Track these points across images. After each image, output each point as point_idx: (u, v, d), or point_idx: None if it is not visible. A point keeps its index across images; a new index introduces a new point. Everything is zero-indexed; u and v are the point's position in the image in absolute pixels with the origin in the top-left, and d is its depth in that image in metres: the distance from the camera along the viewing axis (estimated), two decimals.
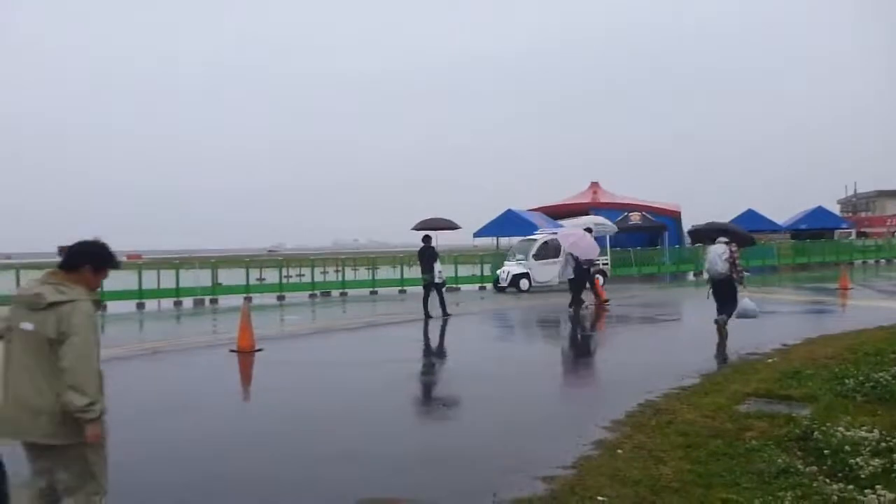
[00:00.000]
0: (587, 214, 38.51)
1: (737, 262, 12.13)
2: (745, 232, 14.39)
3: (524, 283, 25.57)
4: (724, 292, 12.36)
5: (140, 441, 6.55)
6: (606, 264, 28.05)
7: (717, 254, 12.20)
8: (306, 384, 9.66)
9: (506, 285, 25.54)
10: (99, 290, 3.86)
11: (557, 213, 38.52)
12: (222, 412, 8.03)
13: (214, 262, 27.29)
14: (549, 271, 25.75)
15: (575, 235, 19.27)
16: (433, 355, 12.44)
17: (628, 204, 38.37)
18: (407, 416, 7.77)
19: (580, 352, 12.75)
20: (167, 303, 23.26)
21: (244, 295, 24.15)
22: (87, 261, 3.80)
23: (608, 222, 29.91)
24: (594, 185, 41.60)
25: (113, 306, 21.02)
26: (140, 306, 22.10)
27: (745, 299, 12.26)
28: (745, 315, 12.16)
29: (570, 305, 17.96)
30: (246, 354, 11.41)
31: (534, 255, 26.04)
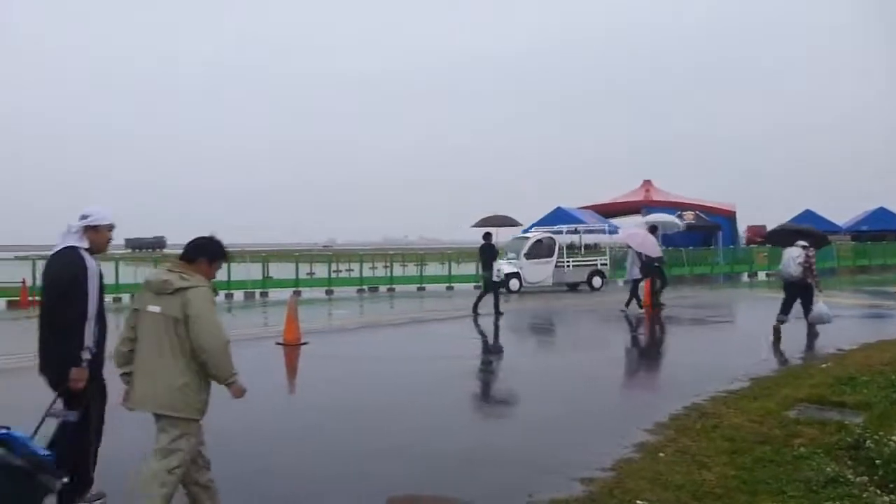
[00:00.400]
0: (639, 213, 38.01)
1: (813, 266, 12.06)
2: (821, 233, 14.28)
3: (514, 284, 23.83)
4: (795, 295, 12.28)
5: None
6: (605, 264, 26.74)
7: (792, 257, 12.17)
8: (351, 379, 9.68)
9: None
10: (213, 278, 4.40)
11: (608, 211, 38.12)
12: (266, 405, 8.08)
13: (265, 256, 27.67)
14: (542, 271, 24.84)
15: (640, 234, 18.57)
16: (479, 353, 12.37)
17: (682, 202, 37.73)
18: (448, 414, 7.71)
19: (626, 353, 12.54)
20: (219, 296, 23.63)
21: (293, 289, 24.38)
22: (203, 254, 4.29)
23: (676, 220, 28.57)
24: (647, 182, 41.01)
25: None
26: None
27: (820, 304, 12.18)
28: (819, 321, 12.10)
29: (626, 305, 17.44)
30: (292, 348, 11.52)
31: (525, 254, 24.67)
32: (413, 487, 5.28)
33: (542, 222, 33.53)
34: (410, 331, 15.22)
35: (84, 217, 4.69)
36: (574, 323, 17.08)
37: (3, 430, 3.75)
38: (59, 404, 4.44)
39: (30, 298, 19.66)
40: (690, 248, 33.63)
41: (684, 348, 12.81)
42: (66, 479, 3.89)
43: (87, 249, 4.65)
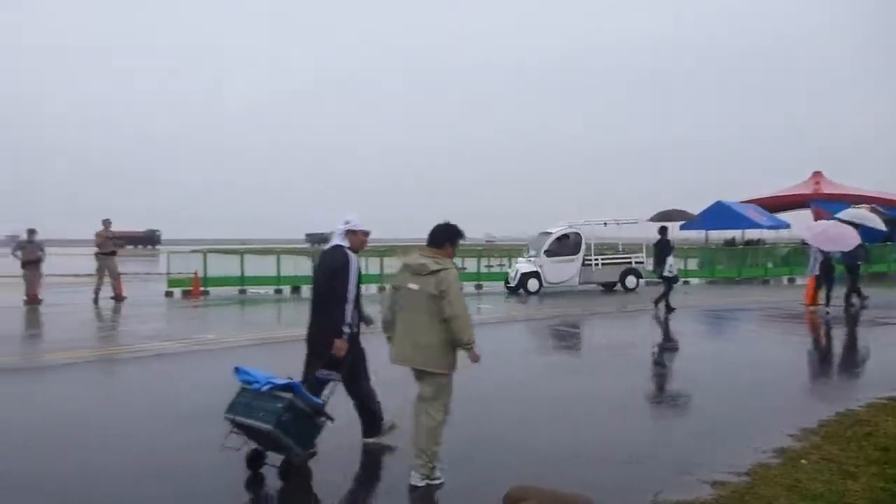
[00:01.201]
0: (806, 207, 35.70)
1: None
2: None
3: (533, 284, 21.92)
4: None
5: None
6: (641, 262, 23.53)
7: None
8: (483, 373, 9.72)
9: (514, 285, 22.10)
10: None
11: (773, 205, 36.06)
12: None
13: (382, 251, 28.02)
14: (564, 270, 22.53)
15: (819, 226, 17.08)
16: (628, 348, 12.10)
17: (856, 196, 34.95)
18: (581, 408, 7.61)
19: (779, 352, 11.82)
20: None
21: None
22: (447, 239, 5.27)
23: (875, 218, 24.30)
24: (816, 174, 38.26)
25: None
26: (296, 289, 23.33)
27: None
28: None
29: (826, 303, 16.28)
30: None
31: (545, 252, 22.34)
32: (529, 481, 5.22)
33: (700, 218, 32.24)
34: (535, 327, 15.07)
35: (346, 222, 6.00)
36: (739, 318, 16.33)
37: (292, 381, 5.23)
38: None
39: (201, 289, 21.33)
40: (868, 244, 31.09)
41: (847, 350, 11.94)
42: (331, 421, 5.41)
43: (349, 248, 5.92)
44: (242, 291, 22.22)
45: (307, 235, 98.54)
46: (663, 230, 16.91)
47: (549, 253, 22.30)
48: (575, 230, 23.04)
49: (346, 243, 5.96)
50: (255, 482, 5.27)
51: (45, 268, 19.14)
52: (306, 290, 22.78)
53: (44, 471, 5.58)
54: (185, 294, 21.16)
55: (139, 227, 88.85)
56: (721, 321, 16.29)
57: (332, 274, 5.84)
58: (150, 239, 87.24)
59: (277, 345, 11.99)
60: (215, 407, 5.62)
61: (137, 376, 9.63)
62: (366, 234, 6.12)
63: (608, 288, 23.26)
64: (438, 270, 5.03)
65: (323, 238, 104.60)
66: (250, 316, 17.72)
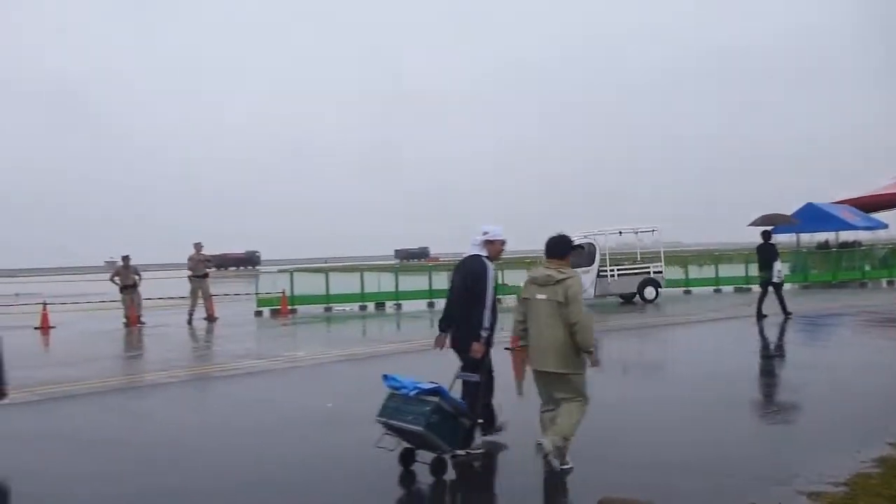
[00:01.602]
0: None
1: None
2: None
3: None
4: None
5: None
6: (660, 272, 22.67)
7: None
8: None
9: None
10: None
11: (868, 204, 34.51)
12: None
13: (528, 263, 28.00)
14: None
15: None
16: (735, 355, 11.80)
17: None
18: (671, 417, 7.48)
19: (880, 359, 11.31)
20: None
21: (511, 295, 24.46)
22: (568, 249, 5.74)
23: None
24: None
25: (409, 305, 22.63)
26: (431, 305, 23.51)
27: None
28: None
29: None
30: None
31: None
32: (617, 491, 5.18)
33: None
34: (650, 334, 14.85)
35: (484, 233, 6.39)
36: (836, 324, 15.73)
37: (437, 386, 5.68)
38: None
39: (289, 307, 21.94)
40: None
41: None
42: (475, 421, 5.92)
43: (486, 257, 6.32)
44: (328, 309, 22.71)
45: (396, 252, 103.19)
46: (766, 235, 16.41)
47: None
48: (589, 240, 21.91)
49: (483, 252, 6.36)
50: (407, 478, 5.76)
51: (143, 291, 20.05)
52: (390, 307, 23.19)
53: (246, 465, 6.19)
54: (274, 313, 21.77)
55: (240, 249, 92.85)
56: (817, 327, 15.72)
57: (471, 281, 6.23)
58: (250, 260, 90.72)
59: (364, 360, 12.29)
60: (342, 414, 6.99)
61: (242, 392, 9.98)
62: (503, 243, 6.49)
63: (627, 300, 22.47)
64: (564, 279, 5.47)
65: (412, 254, 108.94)
66: (336, 333, 18.07)
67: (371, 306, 23.15)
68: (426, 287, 24.29)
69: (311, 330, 18.38)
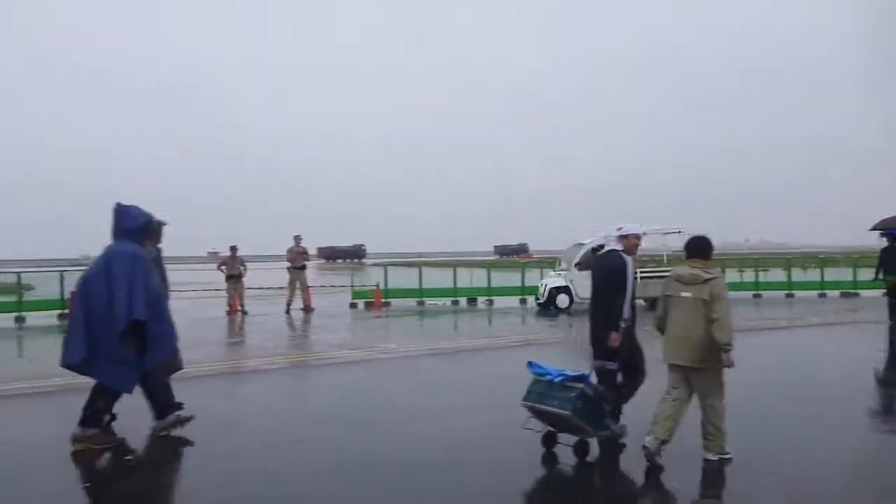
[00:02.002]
0: None
1: None
2: None
3: (563, 300, 20.52)
4: None
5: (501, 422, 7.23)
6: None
7: None
8: None
9: (543, 301, 20.96)
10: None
11: None
12: None
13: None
14: None
15: None
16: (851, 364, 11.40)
17: None
18: (822, 430, 7.14)
19: None
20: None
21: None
22: (710, 249, 6.03)
23: None
24: None
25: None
26: (523, 301, 23.56)
27: None
28: None
29: None
30: None
31: (576, 265, 20.54)
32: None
33: None
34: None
35: (619, 229, 6.69)
36: None
37: (581, 373, 6.07)
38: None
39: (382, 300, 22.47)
40: None
41: None
42: (616, 406, 6.31)
43: (622, 251, 6.61)
44: (421, 303, 23.09)
45: (496, 248, 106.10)
46: (893, 238, 15.61)
47: (581, 266, 20.19)
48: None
49: (619, 247, 6.64)
50: (549, 459, 6.15)
51: (246, 281, 20.88)
52: (482, 302, 23.37)
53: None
54: (368, 305, 22.29)
55: (348, 242, 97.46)
56: None
57: (609, 275, 6.53)
58: (356, 253, 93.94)
59: (453, 354, 12.50)
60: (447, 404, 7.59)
61: (343, 380, 10.33)
62: (637, 237, 6.77)
63: (651, 304, 20.98)
64: (711, 279, 5.74)
65: (510, 250, 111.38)
66: (428, 326, 18.35)
67: (463, 301, 23.39)
68: (518, 284, 24.35)
69: (403, 323, 18.73)
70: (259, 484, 5.55)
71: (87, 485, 5.82)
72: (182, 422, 7.03)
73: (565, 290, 20.68)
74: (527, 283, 23.99)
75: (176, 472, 6.27)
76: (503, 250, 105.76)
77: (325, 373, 10.98)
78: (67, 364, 6.42)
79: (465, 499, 5.24)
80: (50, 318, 19.59)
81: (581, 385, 5.95)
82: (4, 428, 7.60)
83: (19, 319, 19.37)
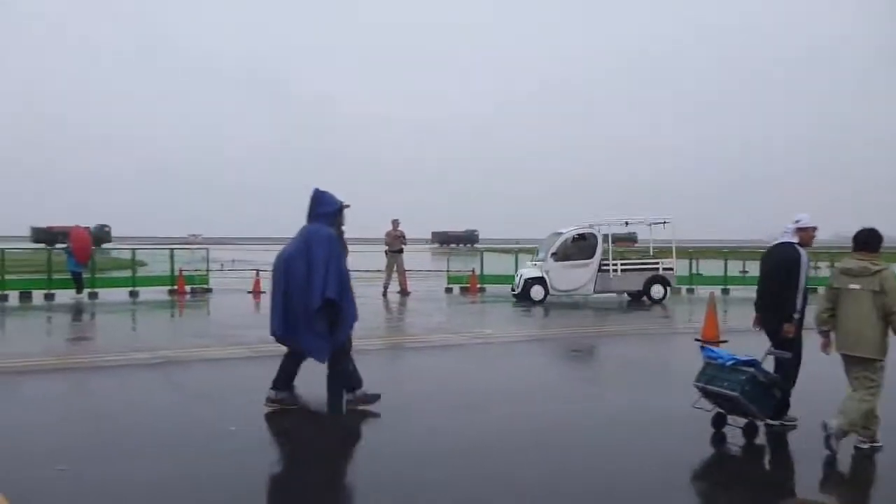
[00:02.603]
0: None
1: None
2: None
3: (537, 292, 19.40)
4: None
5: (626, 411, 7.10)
6: (670, 269, 20.41)
7: None
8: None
9: (518, 292, 19.90)
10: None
11: None
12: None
13: (691, 252, 27.25)
14: (575, 277, 19.55)
15: None
16: None
17: None
18: None
19: None
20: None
21: (721, 286, 23.58)
22: (879, 242, 6.05)
23: None
24: None
25: None
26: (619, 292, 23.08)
27: None
28: None
29: None
30: (710, 345, 11.36)
31: (552, 255, 19.56)
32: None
33: None
34: None
35: (796, 221, 6.77)
36: None
37: (752, 358, 6.30)
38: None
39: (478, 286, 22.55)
40: None
41: None
42: (787, 392, 6.55)
43: (798, 244, 6.70)
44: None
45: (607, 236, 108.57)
46: None
47: (558, 256, 19.60)
48: (591, 231, 20.15)
49: (795, 239, 6.74)
50: (718, 438, 6.42)
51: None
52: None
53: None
54: (463, 290, 22.36)
55: (462, 227, 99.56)
56: None
57: (784, 266, 6.63)
58: (469, 238, 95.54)
59: (546, 341, 12.48)
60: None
61: (447, 362, 10.44)
62: (814, 230, 6.84)
63: (635, 298, 20.42)
64: (880, 270, 5.80)
65: (617, 238, 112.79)
66: (521, 313, 18.17)
67: None
68: None
69: (497, 308, 18.65)
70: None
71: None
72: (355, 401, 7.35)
73: (540, 281, 19.55)
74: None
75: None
76: (616, 237, 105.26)
77: (422, 356, 11.10)
78: (274, 335, 7.18)
79: (624, 478, 5.33)
80: (161, 293, 20.59)
81: (752, 369, 6.16)
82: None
83: (133, 294, 20.38)
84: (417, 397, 8.10)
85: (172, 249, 22.47)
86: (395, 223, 21.35)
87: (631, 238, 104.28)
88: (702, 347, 6.65)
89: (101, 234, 74.42)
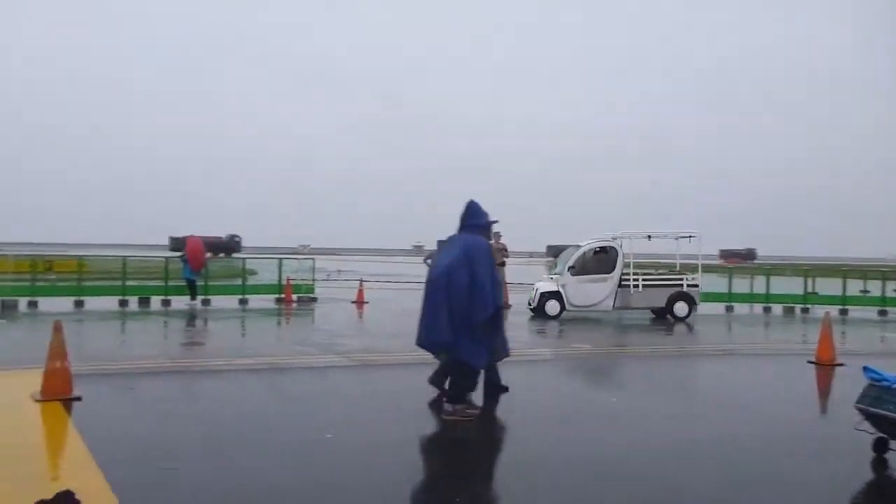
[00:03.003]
0: None
1: None
2: None
3: (552, 307, 18.40)
4: None
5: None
6: (695, 285, 19.21)
7: None
8: None
9: (534, 307, 18.83)
10: None
11: None
12: (788, 419, 7.81)
13: (806, 270, 26.10)
14: (594, 292, 18.51)
15: None
16: None
17: None
18: None
19: None
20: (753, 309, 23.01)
21: (839, 306, 22.45)
22: None
23: None
24: None
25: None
26: (729, 309, 22.27)
27: None
28: None
29: None
30: (824, 367, 10.81)
31: (570, 269, 18.61)
32: None
33: None
34: None
35: None
36: None
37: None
38: None
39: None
40: None
41: None
42: None
43: None
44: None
45: (721, 251, 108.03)
46: None
47: (575, 270, 18.70)
48: (612, 244, 19.07)
49: None
50: (878, 463, 6.13)
51: None
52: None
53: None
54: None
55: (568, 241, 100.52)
56: None
57: None
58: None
59: (646, 358, 12.19)
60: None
61: (531, 377, 10.38)
62: None
63: (659, 315, 19.17)
64: None
65: (735, 254, 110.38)
66: (613, 328, 17.77)
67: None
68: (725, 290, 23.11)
69: (591, 323, 18.30)
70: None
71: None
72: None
73: (556, 295, 18.69)
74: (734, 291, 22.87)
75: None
76: (728, 254, 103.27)
77: (517, 369, 11.03)
78: (434, 342, 7.30)
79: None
80: (268, 301, 21.30)
81: None
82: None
83: (243, 301, 21.17)
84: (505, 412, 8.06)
85: (281, 259, 23.21)
86: (497, 236, 21.28)
87: (749, 255, 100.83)
88: (864, 368, 6.35)
89: (231, 244, 77.93)
